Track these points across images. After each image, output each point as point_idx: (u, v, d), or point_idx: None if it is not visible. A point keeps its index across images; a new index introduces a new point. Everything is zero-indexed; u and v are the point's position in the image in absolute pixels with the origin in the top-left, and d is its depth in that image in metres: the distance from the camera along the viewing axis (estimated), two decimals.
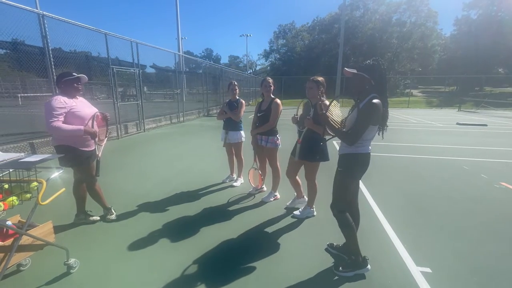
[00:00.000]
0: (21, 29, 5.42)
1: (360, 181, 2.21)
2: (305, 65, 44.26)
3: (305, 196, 3.27)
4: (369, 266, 2.13)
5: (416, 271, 2.18)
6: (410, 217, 3.16)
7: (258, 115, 3.49)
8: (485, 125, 11.59)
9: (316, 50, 46.24)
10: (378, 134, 2.09)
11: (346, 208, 2.14)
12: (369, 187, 3.99)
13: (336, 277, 2.12)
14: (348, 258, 2.22)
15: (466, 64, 36.05)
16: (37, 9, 5.78)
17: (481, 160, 5.73)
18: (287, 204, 3.36)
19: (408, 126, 11.60)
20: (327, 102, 2.76)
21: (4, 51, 6.87)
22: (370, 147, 2.06)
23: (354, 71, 2.00)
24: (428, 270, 2.20)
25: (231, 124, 3.96)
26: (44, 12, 5.65)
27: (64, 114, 2.48)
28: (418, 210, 3.33)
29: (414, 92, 37.58)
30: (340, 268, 2.15)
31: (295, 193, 3.34)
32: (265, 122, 3.38)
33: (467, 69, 33.53)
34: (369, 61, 1.99)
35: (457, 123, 12.25)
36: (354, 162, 2.05)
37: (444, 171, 4.98)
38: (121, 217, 3.08)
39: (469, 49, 36.74)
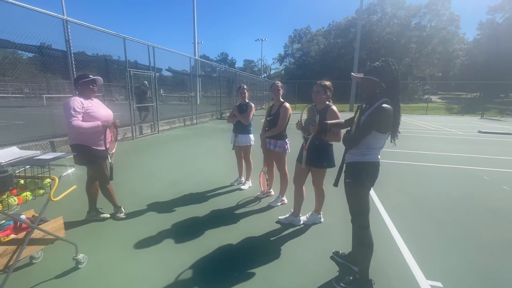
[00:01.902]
0: (47, 34, 5.75)
1: (371, 189, 2.10)
2: (320, 69, 43.90)
3: (300, 217, 3.07)
4: None
5: (426, 285, 2.08)
6: (423, 228, 3.03)
7: (268, 118, 3.49)
8: (510, 134, 10.99)
9: (331, 54, 45.86)
10: (391, 141, 1.97)
11: (367, 223, 2.00)
12: (381, 196, 3.87)
13: None
14: (353, 273, 2.12)
15: (491, 70, 34.39)
16: (64, 15, 6.12)
17: (504, 171, 5.42)
18: (280, 218, 3.11)
19: (425, 133, 11.19)
20: (335, 108, 2.72)
21: (33, 54, 7.29)
22: (379, 156, 1.96)
23: (362, 75, 1.91)
24: (439, 284, 2.09)
25: (241, 127, 3.98)
26: (67, 18, 5.97)
27: (82, 114, 2.60)
28: (432, 221, 3.19)
29: (434, 98, 36.32)
30: (342, 284, 2.05)
31: (292, 209, 3.10)
32: (274, 126, 3.37)
33: (492, 75, 31.95)
34: (377, 62, 1.87)
35: (479, 131, 11.68)
36: (361, 172, 1.93)
37: (463, 181, 4.75)
38: (130, 215, 3.16)
39: (494, 54, 35.10)
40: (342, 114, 2.70)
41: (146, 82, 9.61)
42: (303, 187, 3.01)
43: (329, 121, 2.34)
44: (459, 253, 2.55)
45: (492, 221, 3.23)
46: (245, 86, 4.01)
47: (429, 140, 9.22)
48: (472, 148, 7.88)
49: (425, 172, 5.29)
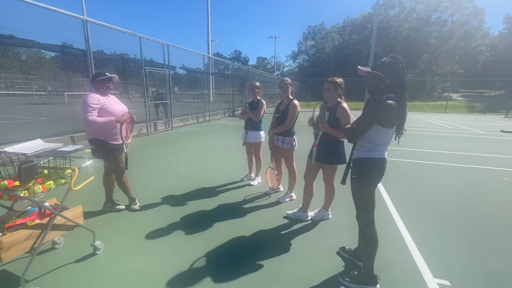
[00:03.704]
0: (68, 33, 6.04)
1: (382, 186, 2.09)
2: (334, 66, 43.25)
3: (308, 213, 3.10)
4: (378, 286, 2.00)
5: (433, 283, 2.07)
6: (433, 227, 2.98)
7: (276, 115, 3.52)
8: None
9: (346, 51, 45.00)
10: (395, 139, 1.97)
11: (372, 220, 2.01)
12: (391, 194, 3.81)
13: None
14: (358, 268, 2.13)
15: None
16: (84, 15, 6.40)
17: None
18: (288, 213, 3.16)
19: (443, 132, 10.81)
20: (345, 105, 2.71)
21: (55, 53, 7.68)
22: (386, 153, 1.95)
23: (369, 69, 1.90)
24: (446, 283, 2.08)
25: (251, 124, 4.03)
26: (87, 18, 6.23)
27: (98, 110, 2.74)
28: (444, 222, 3.12)
29: (454, 96, 34.85)
30: (347, 278, 2.07)
31: (300, 204, 3.14)
32: (282, 123, 3.40)
33: None
34: (385, 58, 1.86)
35: (502, 131, 11.17)
36: (367, 168, 1.93)
37: (480, 182, 4.59)
38: (144, 207, 3.30)
39: None
40: (357, 112, 2.69)
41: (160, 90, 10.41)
42: (313, 183, 3.03)
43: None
44: (470, 253, 2.50)
45: (507, 223, 3.12)
46: (256, 84, 4.05)
47: (447, 139, 8.91)
48: (493, 147, 7.55)
49: (440, 171, 5.14)
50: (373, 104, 1.87)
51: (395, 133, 1.93)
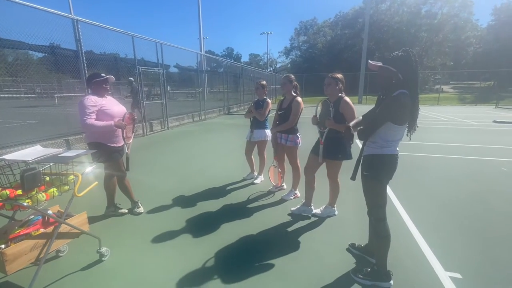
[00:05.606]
0: (58, 33, 5.84)
1: (389, 181, 2.06)
2: (327, 61, 43.29)
3: (312, 207, 3.11)
4: (392, 282, 1.99)
5: (445, 276, 2.07)
6: (439, 221, 3.00)
7: (279, 113, 3.48)
8: None
9: (338, 46, 45.07)
10: (407, 135, 1.93)
11: (384, 215, 1.99)
12: (395, 188, 3.83)
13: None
14: (371, 265, 2.12)
15: (506, 57, 33.07)
16: (71, 14, 6.19)
17: None
18: (293, 209, 3.18)
19: (438, 124, 10.95)
20: (347, 99, 2.69)
21: (43, 54, 7.44)
22: (398, 149, 1.94)
23: (380, 64, 1.86)
24: (458, 275, 2.09)
25: (257, 123, 3.99)
26: (78, 17, 6.04)
27: (96, 112, 2.65)
28: (449, 214, 3.15)
29: (445, 88, 35.34)
30: (360, 275, 2.06)
31: (303, 200, 3.16)
32: (285, 121, 3.36)
33: (507, 62, 30.75)
34: (397, 52, 1.81)
35: (494, 121, 11.37)
36: (379, 164, 1.91)
37: (479, 172, 4.65)
38: (147, 210, 3.23)
39: (509, 40, 33.71)
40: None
41: (131, 78, 8.81)
42: (314, 176, 3.01)
43: (351, 124, 2.30)
44: (478, 245, 2.52)
45: (511, 213, 3.17)
46: (262, 82, 3.99)
47: (442, 131, 9.03)
48: (488, 138, 7.68)
49: (439, 163, 5.20)
50: (385, 102, 1.84)
51: (407, 129, 1.91)
